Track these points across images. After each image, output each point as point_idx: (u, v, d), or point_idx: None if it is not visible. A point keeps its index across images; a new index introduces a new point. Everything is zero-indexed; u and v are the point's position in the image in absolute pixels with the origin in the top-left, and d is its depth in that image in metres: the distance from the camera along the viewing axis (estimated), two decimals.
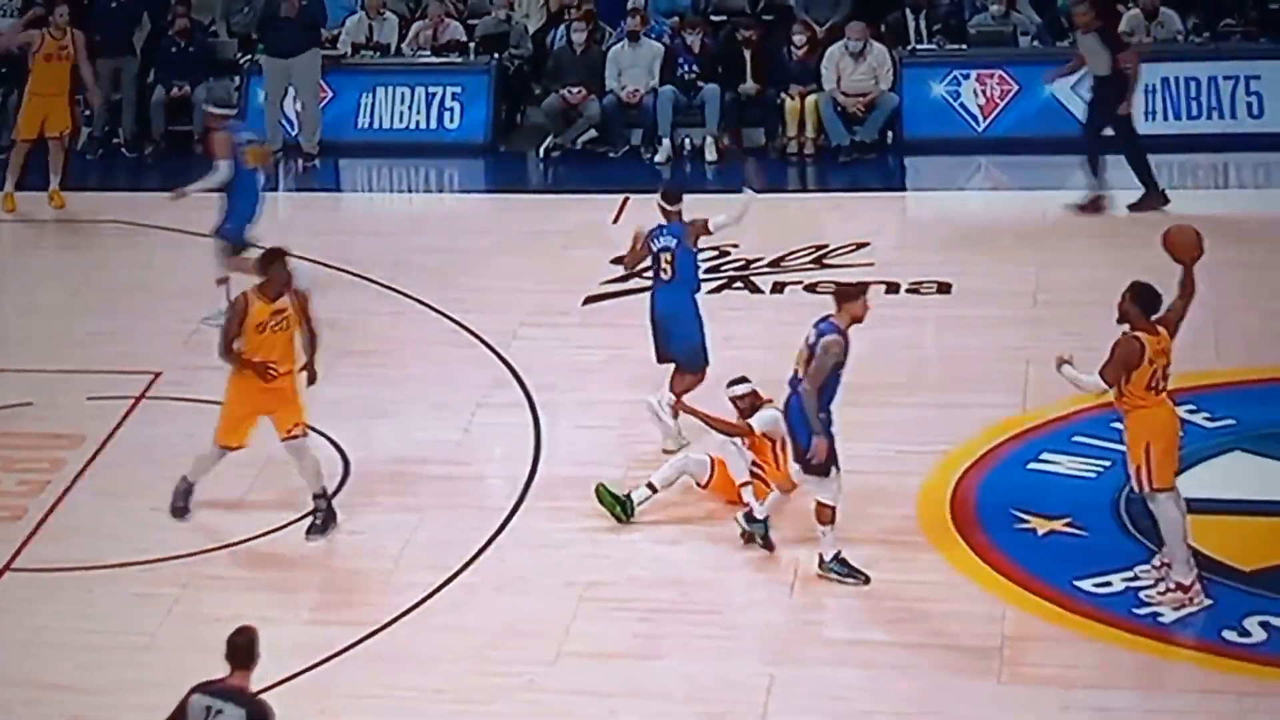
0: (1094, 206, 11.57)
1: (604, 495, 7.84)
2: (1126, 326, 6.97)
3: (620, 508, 7.82)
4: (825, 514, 7.36)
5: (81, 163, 13.46)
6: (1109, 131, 11.61)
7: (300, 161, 13.19)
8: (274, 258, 7.89)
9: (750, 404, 7.85)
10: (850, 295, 7.33)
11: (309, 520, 7.97)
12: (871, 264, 10.84)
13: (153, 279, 11.03)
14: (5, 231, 12.26)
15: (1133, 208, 11.46)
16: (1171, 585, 7.06)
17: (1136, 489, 7.05)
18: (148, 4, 14.20)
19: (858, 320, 7.29)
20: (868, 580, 7.37)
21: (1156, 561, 7.24)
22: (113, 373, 9.62)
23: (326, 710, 6.66)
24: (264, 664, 6.70)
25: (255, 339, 7.76)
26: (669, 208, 8.54)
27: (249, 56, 13.80)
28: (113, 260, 11.42)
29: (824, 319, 7.27)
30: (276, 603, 7.53)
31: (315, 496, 7.99)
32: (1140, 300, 6.93)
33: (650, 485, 7.81)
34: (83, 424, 9.10)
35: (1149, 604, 7.09)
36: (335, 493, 8.32)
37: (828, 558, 7.42)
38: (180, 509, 8.16)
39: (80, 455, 8.78)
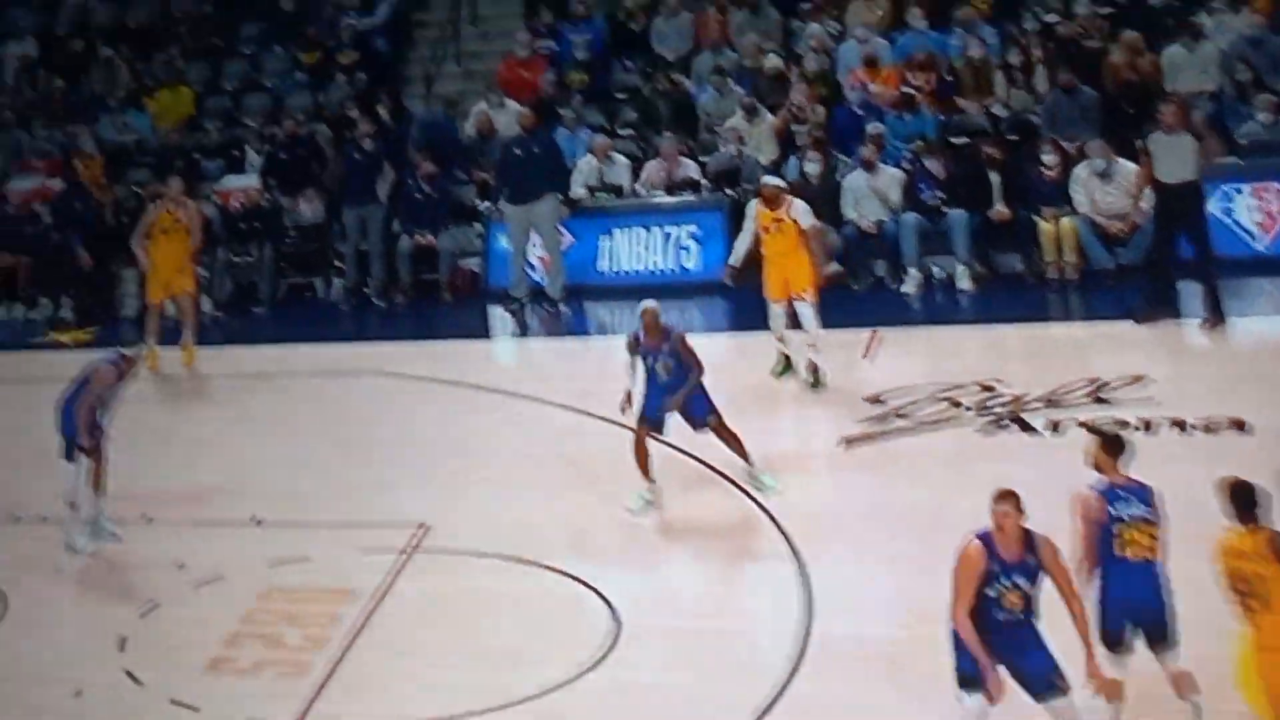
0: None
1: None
2: None
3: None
4: None
5: (335, 313, 14.13)
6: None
7: (547, 307, 13.46)
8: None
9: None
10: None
11: None
12: (1152, 397, 10.17)
13: (414, 428, 11.26)
14: (262, 385, 12.61)
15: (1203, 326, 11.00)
16: None
17: None
18: (390, 153, 14.84)
19: None
20: None
21: None
22: (382, 525, 9.84)
23: None
24: None
25: None
26: None
27: (489, 203, 14.14)
28: (373, 410, 11.64)
29: None
30: None
31: None
32: None
33: None
34: (358, 577, 9.31)
35: None
36: (610, 650, 8.30)
37: None
38: None
39: (358, 610, 8.97)
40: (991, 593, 6.29)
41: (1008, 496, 6.41)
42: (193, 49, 18.09)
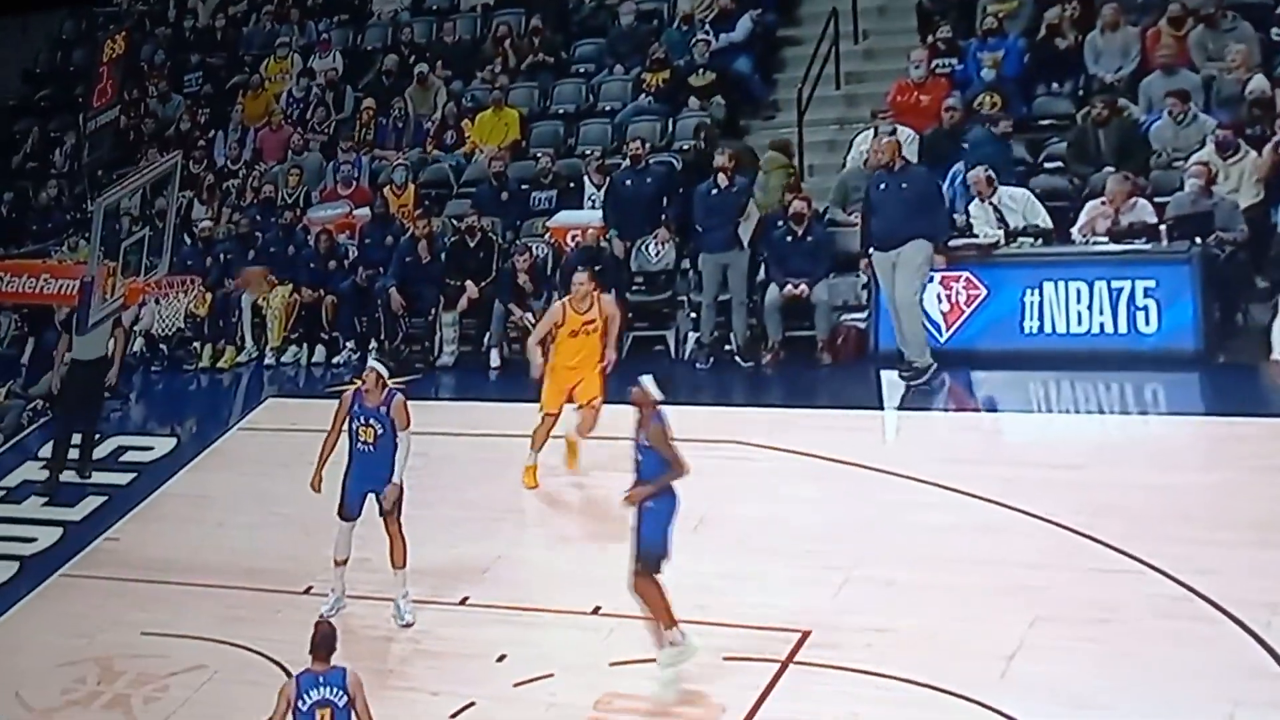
0: None
1: None
2: None
3: None
4: None
5: (690, 373, 14.00)
6: None
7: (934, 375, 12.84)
8: None
9: None
10: None
11: None
12: None
13: (787, 513, 10.88)
14: (602, 452, 12.02)
15: None
16: None
17: None
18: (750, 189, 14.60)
19: None
20: None
21: None
22: (751, 628, 9.52)
23: None
24: None
25: None
26: None
27: (861, 249, 13.54)
28: (736, 488, 11.27)
29: None
30: None
31: None
32: None
33: None
34: (722, 690, 9.02)
35: None
36: None
37: None
38: None
39: None
40: None
41: None
42: (518, 69, 18.41)
